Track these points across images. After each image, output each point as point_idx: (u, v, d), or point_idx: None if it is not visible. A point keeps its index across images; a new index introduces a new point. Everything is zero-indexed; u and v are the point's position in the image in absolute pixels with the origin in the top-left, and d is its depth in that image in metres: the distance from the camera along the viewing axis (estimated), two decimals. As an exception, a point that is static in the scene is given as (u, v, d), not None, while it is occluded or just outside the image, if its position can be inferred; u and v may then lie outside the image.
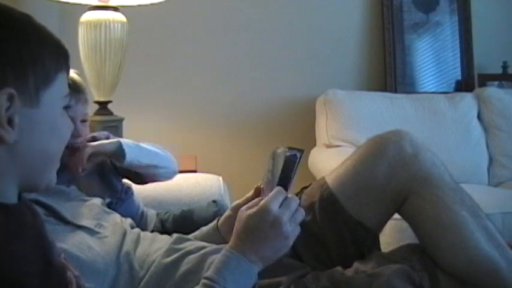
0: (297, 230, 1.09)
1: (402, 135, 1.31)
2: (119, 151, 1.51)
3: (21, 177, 0.80)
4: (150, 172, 1.61)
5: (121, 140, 1.55)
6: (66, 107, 0.86)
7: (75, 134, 1.43)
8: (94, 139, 1.57)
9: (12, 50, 0.75)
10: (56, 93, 0.82)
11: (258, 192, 1.31)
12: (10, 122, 0.75)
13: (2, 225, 0.74)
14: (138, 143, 1.60)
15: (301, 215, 1.10)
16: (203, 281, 1.05)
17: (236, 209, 1.32)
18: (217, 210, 1.64)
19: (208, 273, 1.06)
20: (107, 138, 1.60)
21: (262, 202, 1.09)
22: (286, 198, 1.10)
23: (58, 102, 0.83)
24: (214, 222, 1.37)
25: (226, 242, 1.31)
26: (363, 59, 3.03)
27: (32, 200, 1.19)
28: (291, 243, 1.09)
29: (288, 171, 1.14)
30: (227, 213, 1.35)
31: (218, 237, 1.33)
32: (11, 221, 0.76)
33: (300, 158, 1.16)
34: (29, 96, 0.77)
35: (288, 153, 1.15)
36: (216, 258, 1.10)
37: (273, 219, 1.07)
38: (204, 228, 1.38)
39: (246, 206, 1.13)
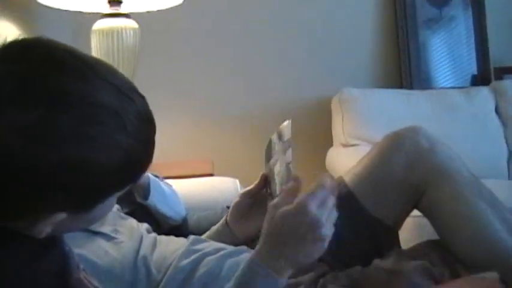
0: (332, 231, 0.97)
1: (417, 130, 1.31)
2: (145, 189, 1.46)
3: None
4: (159, 216, 1.52)
5: (151, 177, 1.48)
6: None
7: None
8: None
9: (78, 180, 0.72)
10: (112, 200, 0.81)
11: (264, 180, 1.31)
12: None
13: (20, 251, 0.74)
14: (163, 186, 1.54)
15: (335, 213, 0.98)
16: None
17: (245, 195, 1.32)
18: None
19: None
20: None
21: (299, 200, 0.95)
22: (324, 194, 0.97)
23: (111, 203, 0.82)
24: (223, 218, 1.37)
25: (235, 236, 1.31)
26: (378, 56, 3.01)
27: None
28: (326, 246, 0.96)
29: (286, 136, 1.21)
30: (235, 200, 1.34)
31: (228, 232, 1.33)
32: (27, 247, 0.75)
33: (290, 123, 1.23)
34: (82, 211, 0.77)
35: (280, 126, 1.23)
36: (241, 267, 1.00)
37: (311, 221, 0.94)
38: (214, 227, 1.38)
39: (277, 202, 0.98)
